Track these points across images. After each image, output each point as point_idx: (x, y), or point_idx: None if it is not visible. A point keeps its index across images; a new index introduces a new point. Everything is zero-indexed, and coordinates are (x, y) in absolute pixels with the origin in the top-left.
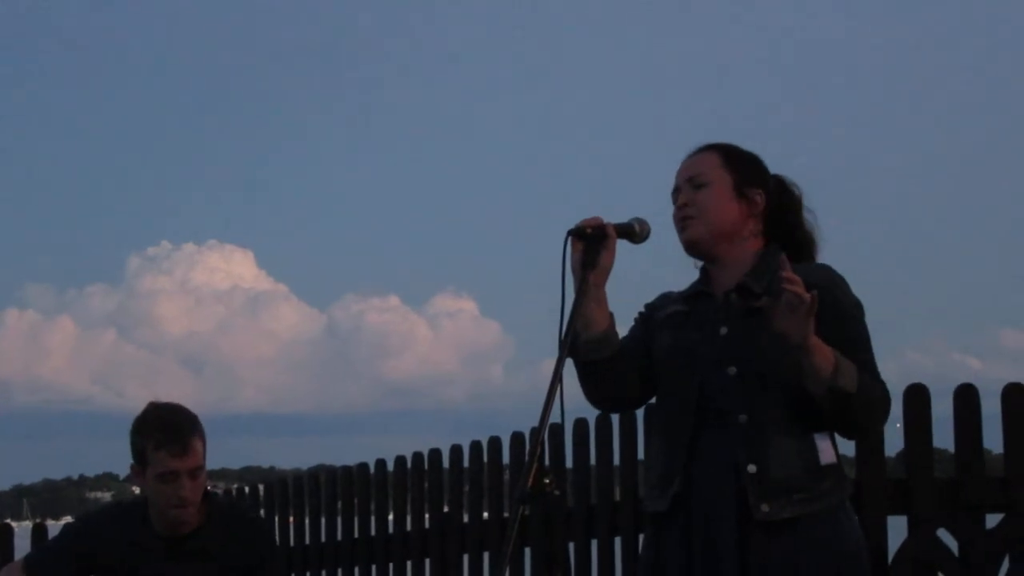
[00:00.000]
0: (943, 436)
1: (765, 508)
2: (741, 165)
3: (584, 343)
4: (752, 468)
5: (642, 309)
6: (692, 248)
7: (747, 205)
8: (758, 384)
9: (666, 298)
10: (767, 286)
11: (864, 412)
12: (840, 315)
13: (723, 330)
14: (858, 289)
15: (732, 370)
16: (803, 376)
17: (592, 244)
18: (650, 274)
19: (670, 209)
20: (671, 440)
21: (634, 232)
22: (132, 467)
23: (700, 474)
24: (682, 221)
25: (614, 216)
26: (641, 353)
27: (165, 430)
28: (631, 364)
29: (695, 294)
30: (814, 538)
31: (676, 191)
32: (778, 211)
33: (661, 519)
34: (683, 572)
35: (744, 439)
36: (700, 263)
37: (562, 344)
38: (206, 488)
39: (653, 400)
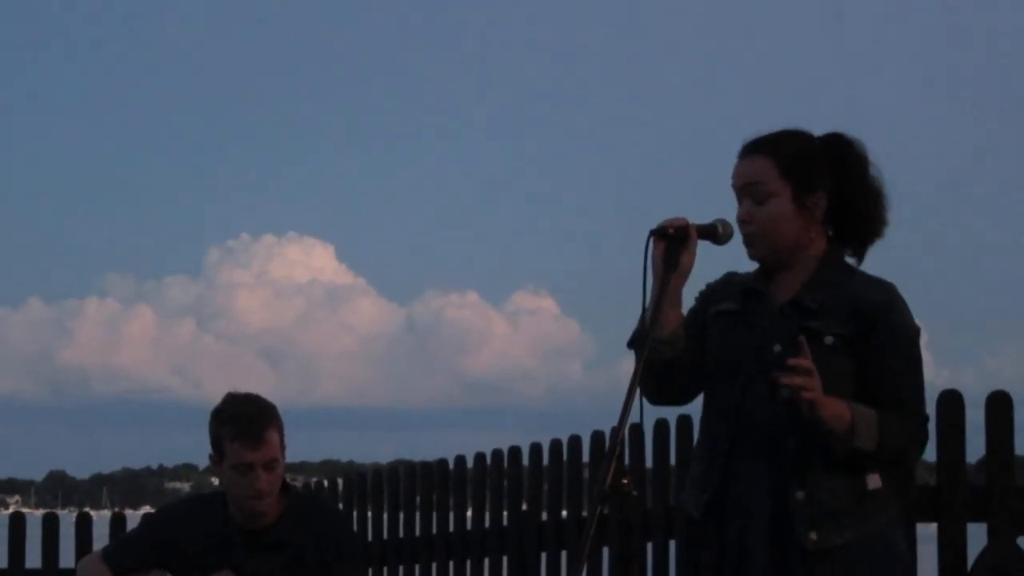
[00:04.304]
0: None
1: (814, 536)
2: (799, 171)
3: (652, 342)
4: (800, 495)
5: (703, 287)
6: (756, 261)
7: (808, 215)
8: None
9: (729, 282)
10: (822, 301)
11: (891, 460)
12: (892, 342)
13: (776, 347)
14: (931, 298)
15: (784, 392)
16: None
17: (674, 244)
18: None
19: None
20: (708, 449)
21: (717, 234)
22: (210, 457)
23: (736, 490)
24: (745, 237)
25: (697, 216)
26: (698, 337)
27: (240, 422)
28: (689, 361)
29: (751, 291)
30: (852, 562)
31: (737, 190)
32: (842, 185)
33: (695, 526)
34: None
35: (792, 464)
36: None
37: (641, 343)
38: (285, 480)
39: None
